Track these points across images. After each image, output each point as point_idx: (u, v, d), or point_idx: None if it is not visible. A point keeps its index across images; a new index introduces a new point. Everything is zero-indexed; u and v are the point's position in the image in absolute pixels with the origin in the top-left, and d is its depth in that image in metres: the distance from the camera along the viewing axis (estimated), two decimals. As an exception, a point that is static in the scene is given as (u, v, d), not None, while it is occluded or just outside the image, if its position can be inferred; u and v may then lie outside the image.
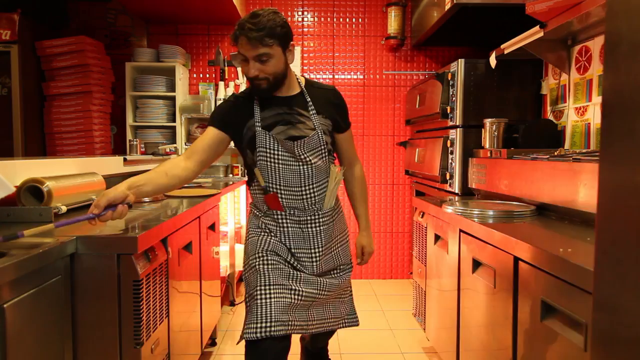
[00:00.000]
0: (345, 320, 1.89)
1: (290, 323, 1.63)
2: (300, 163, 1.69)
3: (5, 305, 1.02)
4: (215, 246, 2.60)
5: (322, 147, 1.71)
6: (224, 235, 3.45)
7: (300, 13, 3.96)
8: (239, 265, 3.64)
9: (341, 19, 3.97)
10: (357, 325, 1.93)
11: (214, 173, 3.73)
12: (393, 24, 3.86)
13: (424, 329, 2.61)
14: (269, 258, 1.69)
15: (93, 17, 3.85)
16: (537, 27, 2.17)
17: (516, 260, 1.44)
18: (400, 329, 3.01)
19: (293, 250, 1.74)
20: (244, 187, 3.94)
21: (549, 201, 1.83)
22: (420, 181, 3.45)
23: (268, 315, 1.58)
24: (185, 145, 3.68)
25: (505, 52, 2.45)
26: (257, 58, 1.58)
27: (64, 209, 1.70)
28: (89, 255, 1.33)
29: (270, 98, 1.69)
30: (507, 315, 1.50)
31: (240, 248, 3.73)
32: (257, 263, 1.68)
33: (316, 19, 3.97)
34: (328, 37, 3.97)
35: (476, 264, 1.79)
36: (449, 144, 2.81)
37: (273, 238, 1.73)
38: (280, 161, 1.68)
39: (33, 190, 1.68)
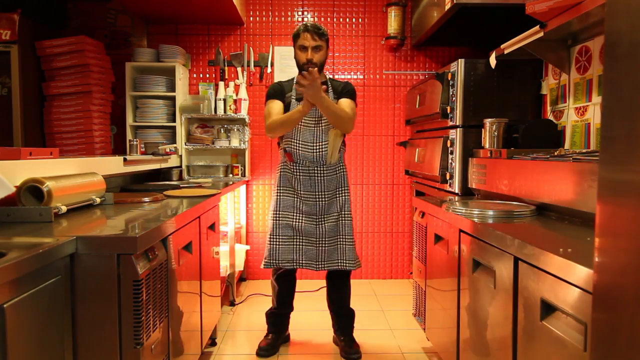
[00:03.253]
0: (347, 262, 2.52)
1: (295, 262, 2.52)
2: (315, 123, 2.49)
3: (5, 305, 1.02)
4: (215, 246, 2.60)
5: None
6: (224, 235, 3.45)
7: (300, 13, 3.96)
8: (239, 265, 3.64)
9: (341, 19, 3.97)
10: (359, 267, 2.58)
11: (214, 173, 3.74)
12: (393, 24, 3.86)
13: (424, 329, 2.61)
14: (282, 214, 2.53)
15: (93, 17, 3.85)
16: (537, 27, 2.17)
17: (516, 260, 1.44)
18: (400, 329, 3.01)
19: (301, 194, 2.53)
20: (244, 187, 3.95)
21: (549, 201, 1.82)
22: (420, 181, 3.45)
23: (275, 255, 2.53)
24: (185, 145, 3.69)
25: (505, 52, 2.45)
26: (314, 48, 2.44)
27: (64, 209, 1.70)
28: (89, 255, 1.33)
29: None
30: (507, 315, 1.50)
31: (240, 248, 3.73)
32: (274, 216, 2.54)
33: (316, 19, 3.96)
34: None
35: (476, 264, 1.79)
36: (449, 144, 2.81)
37: (288, 197, 2.54)
38: (302, 122, 2.47)
39: (33, 190, 1.68)
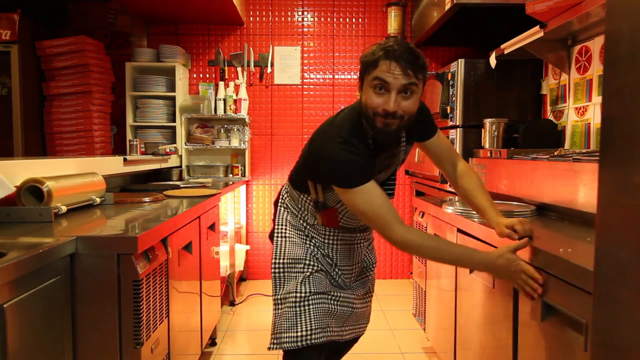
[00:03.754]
0: (362, 326, 1.82)
1: (329, 330, 1.60)
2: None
3: (5, 305, 1.02)
4: (215, 246, 2.60)
5: (395, 172, 1.64)
6: (224, 235, 3.45)
7: (300, 13, 3.96)
8: (239, 265, 3.64)
9: (341, 19, 3.97)
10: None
11: (214, 173, 3.74)
12: (393, 24, 3.86)
13: (424, 329, 2.61)
14: (316, 266, 1.63)
15: (93, 17, 3.85)
16: (537, 27, 2.17)
17: (516, 260, 1.44)
18: (400, 329, 3.01)
19: (338, 267, 1.68)
20: (244, 187, 3.94)
21: (549, 201, 1.82)
22: (420, 181, 3.45)
23: (308, 323, 1.56)
24: (185, 145, 3.68)
25: (505, 52, 2.46)
26: (402, 89, 1.33)
27: (64, 209, 1.70)
28: (89, 255, 1.33)
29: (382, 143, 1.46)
30: (507, 315, 1.50)
31: (240, 248, 3.73)
32: (305, 267, 1.63)
33: (316, 19, 3.97)
34: (328, 37, 3.97)
35: (476, 264, 1.78)
36: (449, 144, 2.81)
37: (318, 250, 1.66)
38: None
39: (33, 190, 1.68)
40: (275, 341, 1.59)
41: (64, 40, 3.32)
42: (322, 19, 3.97)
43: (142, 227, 1.54)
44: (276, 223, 1.75)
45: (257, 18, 3.95)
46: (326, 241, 1.66)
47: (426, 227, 2.47)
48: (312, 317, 1.57)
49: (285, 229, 1.71)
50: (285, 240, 1.69)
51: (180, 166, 3.69)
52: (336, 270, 1.67)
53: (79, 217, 1.74)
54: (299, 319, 1.56)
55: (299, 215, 1.70)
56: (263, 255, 4.04)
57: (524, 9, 2.13)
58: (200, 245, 2.22)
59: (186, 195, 2.49)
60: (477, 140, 2.66)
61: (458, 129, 2.72)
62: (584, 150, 2.18)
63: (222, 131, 3.81)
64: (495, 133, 2.48)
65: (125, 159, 2.69)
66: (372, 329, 2.99)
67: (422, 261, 2.61)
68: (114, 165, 2.59)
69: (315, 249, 1.66)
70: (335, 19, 3.97)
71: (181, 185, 2.97)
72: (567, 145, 2.50)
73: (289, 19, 3.95)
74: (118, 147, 3.81)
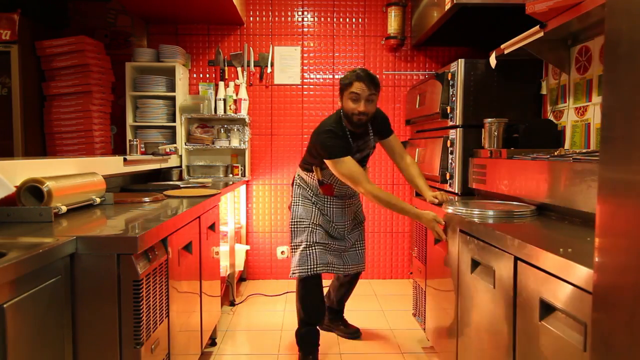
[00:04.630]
0: (363, 265, 2.68)
1: (330, 266, 2.48)
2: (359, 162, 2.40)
3: (5, 305, 1.02)
4: (215, 246, 2.60)
5: (368, 156, 2.57)
6: (224, 235, 3.45)
7: (300, 13, 3.96)
8: (239, 265, 3.64)
9: (341, 19, 3.97)
10: (364, 270, 2.73)
11: (214, 173, 3.74)
12: (393, 24, 3.86)
13: (424, 329, 2.61)
14: (317, 223, 2.49)
15: (93, 17, 3.85)
16: (537, 27, 2.17)
17: (516, 260, 1.44)
18: (400, 329, 3.01)
19: (334, 223, 2.54)
20: (244, 187, 3.95)
21: (549, 201, 1.82)
22: (420, 181, 3.44)
23: (314, 260, 2.42)
24: (185, 145, 3.68)
25: (505, 52, 2.45)
26: (368, 98, 2.27)
27: (64, 209, 1.70)
28: (89, 255, 1.33)
29: (355, 133, 2.39)
30: (506, 315, 1.50)
31: (240, 248, 3.73)
32: (310, 225, 2.47)
33: (316, 19, 3.97)
34: (328, 37, 3.98)
35: (475, 264, 1.79)
36: (449, 144, 2.81)
37: (320, 214, 2.51)
38: None
39: (33, 190, 1.68)
40: (293, 272, 2.44)
41: (64, 40, 3.32)
42: (322, 19, 3.97)
43: (142, 227, 1.54)
44: (293, 196, 2.60)
45: (257, 18, 3.95)
46: (326, 205, 2.55)
47: (426, 227, 2.47)
48: (316, 257, 2.43)
49: (299, 199, 2.55)
50: (298, 207, 2.53)
51: (180, 166, 3.69)
52: (332, 225, 2.54)
53: (79, 217, 1.74)
54: (307, 258, 2.42)
55: (307, 189, 2.57)
56: (263, 255, 4.04)
57: (524, 9, 2.13)
58: (200, 245, 2.22)
59: (186, 195, 2.49)
60: (477, 140, 2.66)
61: (458, 129, 2.72)
62: (584, 150, 2.18)
63: (222, 131, 3.81)
64: (495, 133, 2.47)
65: (125, 159, 2.69)
66: (372, 329, 2.99)
67: (422, 261, 2.61)
68: (114, 165, 2.59)
69: (318, 212, 2.52)
70: (335, 19, 3.97)
71: (181, 185, 2.97)
72: (567, 145, 2.50)
73: (289, 19, 3.95)
74: (118, 147, 3.81)
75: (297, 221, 2.49)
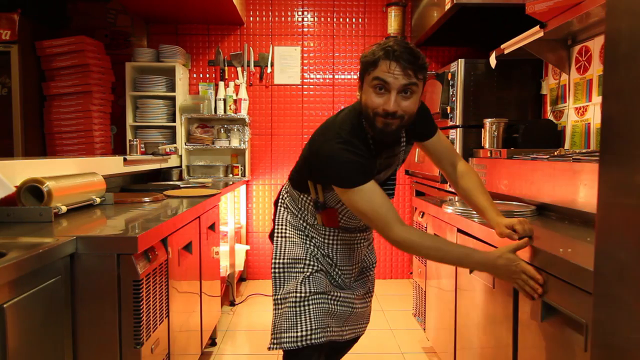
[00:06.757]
0: (362, 326, 1.82)
1: (329, 330, 1.60)
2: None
3: (5, 305, 1.02)
4: (215, 246, 2.60)
5: (395, 173, 1.64)
6: (224, 235, 3.45)
7: (300, 13, 3.96)
8: (239, 265, 3.64)
9: (341, 19, 3.97)
10: (364, 332, 1.85)
11: (214, 173, 3.73)
12: (393, 24, 3.86)
13: (424, 329, 2.61)
14: (315, 265, 1.62)
15: (93, 17, 3.85)
16: (537, 27, 2.17)
17: (516, 260, 1.43)
18: (400, 329, 3.01)
19: (338, 267, 1.67)
20: (244, 187, 3.94)
21: (549, 201, 1.82)
22: (420, 181, 3.45)
23: (309, 323, 1.55)
24: (185, 145, 3.68)
25: (505, 52, 2.45)
26: (402, 89, 1.32)
27: (64, 209, 1.70)
28: (89, 255, 1.33)
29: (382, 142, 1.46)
30: (507, 316, 1.50)
31: (240, 248, 3.73)
32: (304, 267, 1.62)
33: (316, 19, 3.96)
34: (328, 37, 3.97)
35: (476, 264, 1.78)
36: (449, 144, 2.81)
37: (318, 250, 1.65)
38: None
39: (33, 190, 1.68)
40: (275, 341, 1.58)
41: (64, 40, 3.32)
42: (322, 19, 3.97)
43: (142, 227, 1.54)
44: (276, 223, 1.73)
45: (257, 18, 3.95)
46: (326, 241, 1.65)
47: (426, 227, 2.47)
48: (312, 317, 1.56)
49: (286, 229, 1.69)
50: (286, 240, 1.67)
51: (180, 166, 3.69)
52: (336, 270, 1.67)
53: (79, 217, 1.74)
54: (299, 319, 1.55)
55: (299, 215, 1.69)
56: (263, 255, 4.04)
57: (524, 9, 2.13)
58: (200, 245, 2.22)
59: (186, 195, 2.49)
60: (477, 140, 2.66)
61: (458, 129, 2.72)
62: (584, 150, 2.18)
63: (222, 131, 3.81)
64: (495, 133, 2.48)
65: (125, 159, 2.69)
66: (372, 329, 2.99)
67: (422, 261, 2.61)
68: (114, 165, 2.59)
69: (315, 249, 1.65)
70: (335, 19, 3.97)
71: (181, 185, 2.97)
72: (567, 145, 2.50)
73: (289, 19, 3.95)
74: (118, 147, 3.81)
75: (283, 262, 1.64)
